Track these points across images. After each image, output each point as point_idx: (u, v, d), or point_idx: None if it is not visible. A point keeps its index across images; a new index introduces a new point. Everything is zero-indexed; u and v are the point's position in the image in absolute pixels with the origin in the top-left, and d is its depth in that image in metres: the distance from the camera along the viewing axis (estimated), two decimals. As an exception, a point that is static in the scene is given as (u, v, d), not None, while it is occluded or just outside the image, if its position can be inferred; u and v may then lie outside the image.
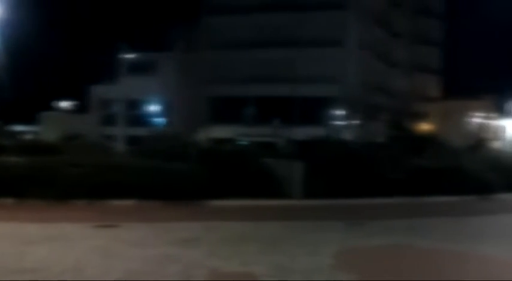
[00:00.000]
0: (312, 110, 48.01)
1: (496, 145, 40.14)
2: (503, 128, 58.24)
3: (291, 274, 7.61)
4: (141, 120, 45.92)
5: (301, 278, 7.41)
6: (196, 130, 39.76)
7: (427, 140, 23.85)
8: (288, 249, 9.22)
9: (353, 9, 51.15)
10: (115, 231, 10.45)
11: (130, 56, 46.58)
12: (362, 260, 8.83)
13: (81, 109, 54.30)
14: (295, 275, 7.53)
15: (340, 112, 47.24)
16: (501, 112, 60.60)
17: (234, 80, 51.49)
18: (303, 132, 30.55)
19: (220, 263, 8.05)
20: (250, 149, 21.22)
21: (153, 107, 49.24)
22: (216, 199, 14.82)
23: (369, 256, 9.15)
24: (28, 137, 36.36)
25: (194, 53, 51.54)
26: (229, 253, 8.79)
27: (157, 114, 48.21)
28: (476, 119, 61.69)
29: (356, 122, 45.99)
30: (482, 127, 54.60)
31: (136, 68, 48.88)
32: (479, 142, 26.49)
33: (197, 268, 7.70)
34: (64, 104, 54.11)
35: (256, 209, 14.25)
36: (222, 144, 25.47)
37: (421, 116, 57.97)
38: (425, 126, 55.01)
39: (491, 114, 61.85)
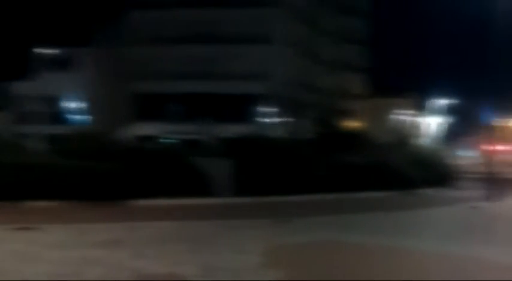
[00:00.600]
0: (240, 108, 48.16)
1: (420, 141, 41.69)
2: (426, 125, 60.60)
3: (220, 273, 7.57)
4: (61, 118, 44.50)
5: (229, 278, 7.38)
6: (120, 128, 38.95)
7: (354, 137, 24.45)
8: (216, 248, 9.18)
9: (279, 6, 51.71)
10: (34, 233, 10.06)
11: (49, 51, 45.02)
12: (290, 257, 8.92)
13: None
14: (223, 274, 7.50)
15: (268, 109, 47.64)
16: (424, 110, 63.08)
17: (159, 76, 50.84)
18: (231, 130, 30.55)
19: (146, 265, 7.90)
20: (178, 147, 21.05)
21: (74, 104, 47.81)
22: (142, 199, 14.58)
23: (297, 252, 9.26)
24: None
25: (117, 48, 50.48)
26: (156, 253, 8.65)
27: (77, 112, 46.87)
28: (401, 116, 63.94)
29: (284, 119, 46.55)
30: (406, 124, 56.64)
31: (55, 64, 47.31)
32: (403, 139, 27.44)
33: (121, 270, 7.52)
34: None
35: (184, 208, 14.13)
36: (148, 142, 25.10)
37: (348, 114, 59.40)
38: (352, 124, 56.41)
39: (415, 112, 64.29)
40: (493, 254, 9.27)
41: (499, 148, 36.83)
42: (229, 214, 13.88)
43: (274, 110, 47.20)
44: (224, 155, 17.57)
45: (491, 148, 22.50)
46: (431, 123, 59.47)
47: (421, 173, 21.88)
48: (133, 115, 49.28)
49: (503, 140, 56.92)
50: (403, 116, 64.37)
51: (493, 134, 22.49)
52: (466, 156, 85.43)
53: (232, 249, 9.08)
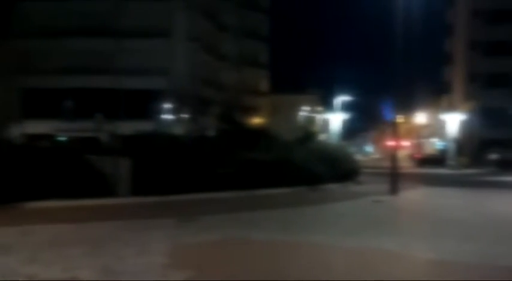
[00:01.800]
0: (139, 104, 47.40)
1: (324, 137, 42.94)
2: (329, 122, 62.56)
3: (120, 276, 7.35)
4: None
5: (131, 280, 7.20)
6: (8, 126, 37.07)
7: (258, 133, 24.70)
8: (116, 250, 8.91)
9: (180, 0, 51.40)
10: None
11: None
12: (195, 256, 8.84)
13: None
14: (124, 277, 7.29)
15: (169, 105, 47.17)
16: (327, 106, 65.05)
17: (50, 70, 48.93)
18: (129, 127, 29.99)
19: (39, 270, 7.51)
20: (71, 145, 20.30)
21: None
22: (33, 201, 13.91)
23: (203, 251, 9.18)
24: None
25: (5, 41, 48.01)
26: (50, 258, 8.26)
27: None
28: (305, 112, 65.56)
29: (186, 115, 46.26)
30: (310, 120, 58.09)
31: None
32: (308, 135, 28.07)
33: (11, 277, 7.12)
34: None
35: (80, 210, 13.64)
36: (38, 140, 24.05)
37: (252, 110, 60.09)
38: (256, 120, 57.11)
39: (319, 108, 66.13)
40: (395, 246, 9.70)
41: (400, 143, 38.70)
42: (130, 214, 13.57)
43: (176, 106, 46.83)
44: (122, 153, 17.15)
45: (392, 143, 23.52)
46: (334, 120, 61.50)
47: (326, 169, 22.47)
48: (22, 112, 47.11)
49: (404, 136, 59.91)
50: (307, 112, 66.08)
51: (395, 130, 23.51)
52: (369, 151, 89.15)
53: (135, 251, 8.86)
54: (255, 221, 12.67)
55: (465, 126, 56.96)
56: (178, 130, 38.51)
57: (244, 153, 19.98)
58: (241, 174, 18.73)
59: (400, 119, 32.97)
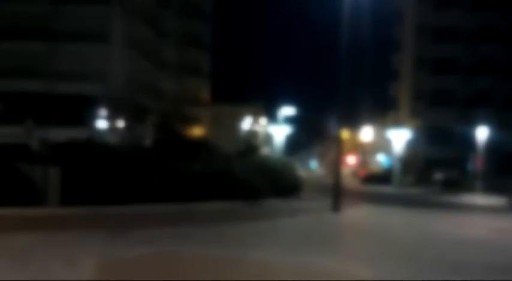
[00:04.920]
0: (73, 110, 46.58)
1: (266, 151, 43.24)
2: (272, 135, 63.07)
3: (45, 289, 7.28)
4: None
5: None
6: None
7: (197, 144, 24.70)
8: (43, 263, 8.79)
9: (118, 4, 51.02)
10: None
11: None
12: (124, 270, 8.81)
13: None
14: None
15: (104, 113, 46.56)
16: (270, 119, 65.58)
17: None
18: (62, 134, 29.39)
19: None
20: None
21: None
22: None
23: (132, 265, 9.16)
24: None
25: None
26: (-32, 270, 8.09)
27: None
28: (247, 124, 65.86)
29: (121, 124, 45.76)
30: (253, 133, 58.40)
31: None
32: (250, 148, 28.24)
33: None
34: None
35: (4, 220, 13.33)
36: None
37: (192, 120, 59.95)
38: (196, 131, 57.02)
39: (261, 120, 66.58)
40: (333, 263, 9.96)
41: (344, 159, 39.38)
42: (58, 225, 13.34)
43: (112, 113, 46.27)
44: (52, 161, 16.86)
45: (335, 159, 23.99)
46: (277, 133, 62.08)
47: (267, 184, 22.64)
48: None
49: (347, 151, 60.96)
50: (249, 124, 66.43)
51: (338, 146, 24.00)
52: (313, 167, 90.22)
53: (61, 263, 8.76)
54: (189, 235, 12.69)
55: (410, 144, 58.45)
56: (113, 139, 38.04)
57: (182, 164, 19.94)
58: (177, 186, 18.68)
59: (345, 134, 33.64)
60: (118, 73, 49.55)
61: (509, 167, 49.43)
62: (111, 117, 46.15)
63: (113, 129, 44.66)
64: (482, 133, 52.58)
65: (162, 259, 9.78)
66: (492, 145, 52.67)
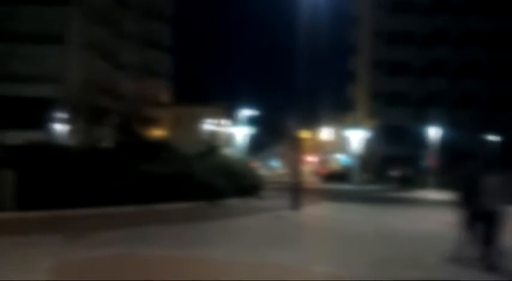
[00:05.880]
0: (30, 112, 45.62)
1: (227, 151, 43.09)
2: (233, 135, 62.99)
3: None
4: None
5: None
6: None
7: (157, 146, 24.43)
8: (-4, 267, 8.52)
9: (77, 5, 50.25)
10: None
11: None
12: (82, 273, 8.60)
13: None
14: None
15: (62, 115, 45.75)
16: (231, 120, 65.48)
17: None
18: (18, 137, 28.72)
19: None
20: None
21: None
22: None
23: (90, 268, 8.94)
24: None
25: None
26: None
27: None
28: (209, 125, 65.63)
29: (79, 125, 45.05)
30: (213, 133, 58.19)
31: None
32: (210, 148, 28.08)
33: None
34: None
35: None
36: None
37: (153, 122, 59.41)
38: (157, 132, 56.54)
39: (223, 121, 66.44)
40: (292, 260, 9.95)
41: (304, 158, 39.58)
42: (13, 229, 12.98)
43: (70, 115, 45.52)
44: (8, 165, 16.42)
45: (295, 158, 24.05)
46: (238, 134, 62.00)
47: (228, 184, 22.56)
48: None
49: (307, 151, 61.33)
50: (211, 125, 66.22)
51: (298, 145, 24.08)
52: (273, 166, 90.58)
53: (16, 268, 8.51)
54: (148, 236, 12.48)
55: (368, 143, 59.19)
56: (71, 141, 37.42)
57: (142, 166, 19.68)
58: (138, 187, 18.43)
59: (304, 134, 33.76)
60: (76, 75, 48.77)
61: (460, 164, 50.40)
62: (69, 120, 45.38)
63: (71, 131, 43.93)
64: (434, 132, 53.93)
65: (119, 261, 9.58)
66: (444, 143, 53.77)
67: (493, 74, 63.61)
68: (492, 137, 57.75)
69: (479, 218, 9.31)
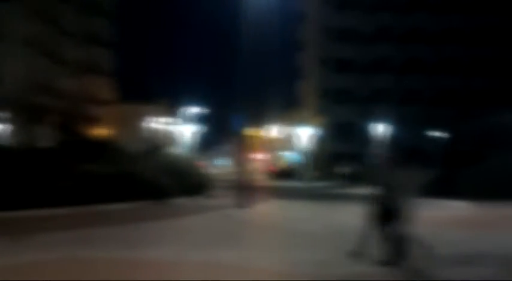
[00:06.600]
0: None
1: (173, 150, 42.90)
2: (179, 133, 62.66)
3: None
4: None
5: None
6: None
7: (100, 145, 24.13)
8: None
9: (15, 1, 49.05)
10: None
11: None
12: (22, 277, 8.47)
13: None
14: None
15: (1, 114, 44.61)
16: (177, 117, 65.09)
17: None
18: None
19: None
20: None
21: None
22: None
23: (31, 271, 8.80)
24: None
25: None
26: None
27: None
28: (152, 123, 65.08)
29: (17, 124, 44.01)
30: (158, 132, 57.73)
31: None
32: (155, 147, 27.94)
33: None
34: None
35: None
36: None
37: (95, 120, 58.49)
38: (99, 131, 55.67)
39: (168, 119, 65.97)
40: (239, 259, 10.06)
41: (251, 156, 39.76)
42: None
43: (7, 114, 44.42)
44: None
45: (243, 156, 24.18)
46: (184, 132, 61.72)
47: (174, 182, 22.49)
48: None
49: (254, 148, 61.62)
50: (155, 123, 65.68)
51: (245, 143, 24.22)
52: (220, 164, 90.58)
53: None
54: (93, 237, 12.36)
55: (316, 140, 59.86)
56: (9, 140, 36.55)
57: (85, 166, 19.42)
58: (80, 188, 18.18)
59: (252, 131, 33.90)
60: (13, 72, 47.60)
61: (407, 160, 51.56)
62: (6, 118, 44.26)
63: (8, 130, 42.86)
64: (380, 129, 55.08)
65: (60, 264, 9.45)
66: (392, 139, 54.94)
67: (436, 71, 65.29)
68: (436, 133, 59.32)
69: (386, 214, 9.36)
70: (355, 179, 50.56)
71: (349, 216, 19.05)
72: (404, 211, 9.31)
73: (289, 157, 70.92)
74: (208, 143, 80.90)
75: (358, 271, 9.22)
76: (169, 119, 66.63)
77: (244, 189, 21.49)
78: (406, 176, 9.55)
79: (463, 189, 24.25)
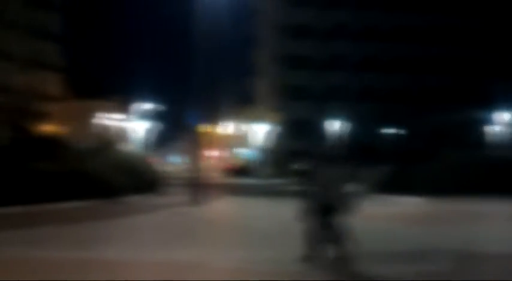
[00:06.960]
0: None
1: (125, 147, 42.45)
2: (131, 130, 62.05)
3: None
4: None
5: None
6: None
7: (48, 142, 23.67)
8: None
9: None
10: None
11: None
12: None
13: None
14: None
15: None
16: (129, 114, 64.41)
17: None
18: None
19: None
20: None
21: None
22: None
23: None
24: None
25: None
26: None
27: None
28: (104, 120, 64.26)
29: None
30: (109, 128, 57.04)
31: None
32: (106, 144, 27.58)
33: None
34: None
35: None
36: None
37: (45, 117, 57.40)
38: (48, 128, 54.64)
39: (120, 116, 65.24)
40: (191, 256, 10.05)
41: (206, 153, 39.66)
42: None
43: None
44: None
45: (197, 153, 24.13)
46: (137, 128, 61.13)
47: (126, 180, 22.28)
48: None
49: (209, 145, 61.53)
50: (106, 120, 64.86)
51: (199, 140, 24.17)
52: (174, 161, 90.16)
53: None
54: (41, 237, 12.15)
55: (271, 137, 60.10)
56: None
57: (33, 163, 19.07)
58: (29, 187, 17.84)
59: (207, 128, 33.82)
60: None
61: (364, 157, 52.27)
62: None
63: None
64: (337, 126, 55.72)
65: (9, 265, 9.26)
66: (348, 136, 55.62)
67: (390, 69, 66.29)
68: (391, 130, 60.32)
69: (319, 212, 9.36)
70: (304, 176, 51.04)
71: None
72: (339, 206, 9.30)
73: (245, 154, 71.01)
74: (163, 140, 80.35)
75: (311, 267, 9.29)
76: (122, 116, 65.87)
77: (198, 186, 21.45)
78: (340, 172, 9.57)
79: (416, 185, 24.71)
